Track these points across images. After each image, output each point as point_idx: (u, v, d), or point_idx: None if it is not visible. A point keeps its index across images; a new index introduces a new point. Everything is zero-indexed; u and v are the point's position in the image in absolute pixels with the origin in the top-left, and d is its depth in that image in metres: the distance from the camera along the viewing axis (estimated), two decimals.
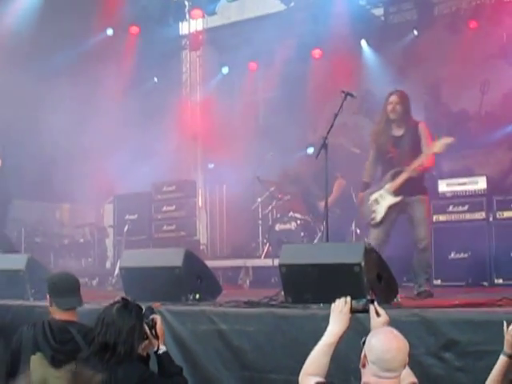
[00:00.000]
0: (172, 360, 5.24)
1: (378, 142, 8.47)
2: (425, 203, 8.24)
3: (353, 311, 4.71)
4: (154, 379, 4.92)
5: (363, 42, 14.60)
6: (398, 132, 8.34)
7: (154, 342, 5.12)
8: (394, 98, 8.31)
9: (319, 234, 11.16)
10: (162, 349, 5.15)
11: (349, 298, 4.71)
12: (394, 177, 8.15)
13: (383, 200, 8.19)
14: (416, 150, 8.16)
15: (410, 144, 8.18)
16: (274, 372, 6.28)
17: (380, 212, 8.19)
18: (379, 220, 8.18)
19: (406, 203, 8.15)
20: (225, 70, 16.17)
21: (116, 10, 14.60)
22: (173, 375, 5.08)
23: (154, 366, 5.16)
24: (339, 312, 4.64)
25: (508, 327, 4.42)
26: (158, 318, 5.22)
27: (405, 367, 4.15)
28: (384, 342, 4.11)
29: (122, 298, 5.15)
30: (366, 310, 4.79)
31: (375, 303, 4.74)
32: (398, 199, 8.11)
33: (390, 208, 8.16)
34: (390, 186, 8.14)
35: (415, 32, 13.99)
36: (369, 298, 5.45)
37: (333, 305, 4.71)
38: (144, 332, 5.04)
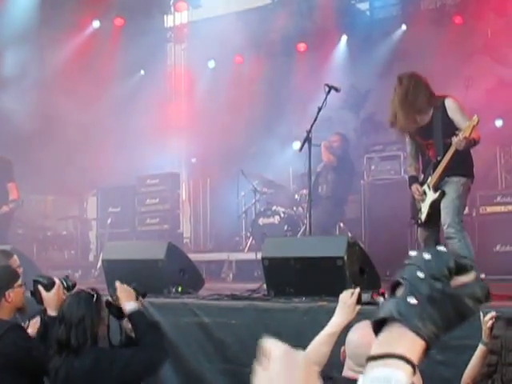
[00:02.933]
0: (142, 318, 5.10)
1: (410, 133, 7.48)
2: (458, 185, 7.17)
3: (360, 303, 4.65)
4: (110, 355, 4.85)
5: (343, 39, 14.62)
6: (423, 120, 7.34)
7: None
8: (396, 87, 7.31)
9: (303, 228, 11.18)
10: (130, 309, 5.03)
11: (357, 290, 4.65)
12: (434, 168, 7.21)
13: (426, 196, 7.33)
14: (452, 132, 6.99)
15: (441, 131, 7.16)
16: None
17: (424, 212, 7.35)
18: (423, 220, 7.37)
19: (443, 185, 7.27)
20: (211, 63, 16.17)
21: (101, 2, 14.55)
22: (145, 334, 4.96)
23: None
24: (344, 303, 4.60)
25: (484, 317, 4.46)
26: (117, 283, 5.17)
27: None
28: (358, 336, 4.10)
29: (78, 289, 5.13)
30: (374, 303, 4.72)
31: (386, 296, 4.65)
32: (436, 195, 7.21)
33: (433, 205, 7.27)
34: (430, 180, 7.26)
35: (403, 27, 14.00)
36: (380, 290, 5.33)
37: (340, 295, 4.68)
38: (99, 317, 4.94)
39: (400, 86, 7.31)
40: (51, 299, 5.22)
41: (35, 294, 5.32)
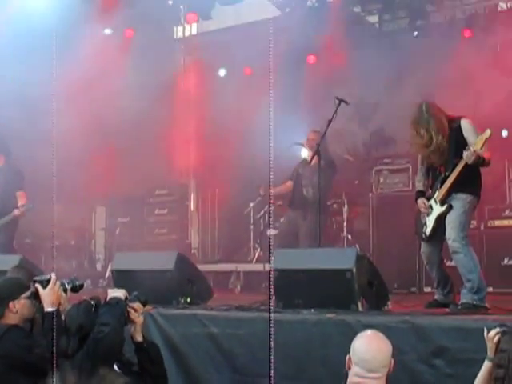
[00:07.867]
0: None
1: (423, 155, 7.62)
2: (464, 202, 7.22)
3: None
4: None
5: (351, 51, 14.61)
6: (440, 142, 7.34)
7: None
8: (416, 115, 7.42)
9: None
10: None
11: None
12: (442, 183, 7.30)
13: (432, 211, 7.38)
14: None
15: (454, 150, 7.24)
16: (265, 376, 6.28)
17: (429, 225, 7.40)
18: (428, 234, 7.42)
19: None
20: (220, 75, 16.20)
21: (112, 13, 14.57)
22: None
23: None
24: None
25: (488, 333, 4.47)
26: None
27: (388, 368, 4.20)
28: (365, 342, 4.24)
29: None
30: None
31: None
32: (443, 209, 7.25)
33: (439, 220, 7.32)
34: (438, 194, 7.32)
35: (412, 40, 13.98)
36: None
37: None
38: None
39: (420, 115, 7.38)
40: (47, 295, 5.32)
41: (34, 293, 5.42)
